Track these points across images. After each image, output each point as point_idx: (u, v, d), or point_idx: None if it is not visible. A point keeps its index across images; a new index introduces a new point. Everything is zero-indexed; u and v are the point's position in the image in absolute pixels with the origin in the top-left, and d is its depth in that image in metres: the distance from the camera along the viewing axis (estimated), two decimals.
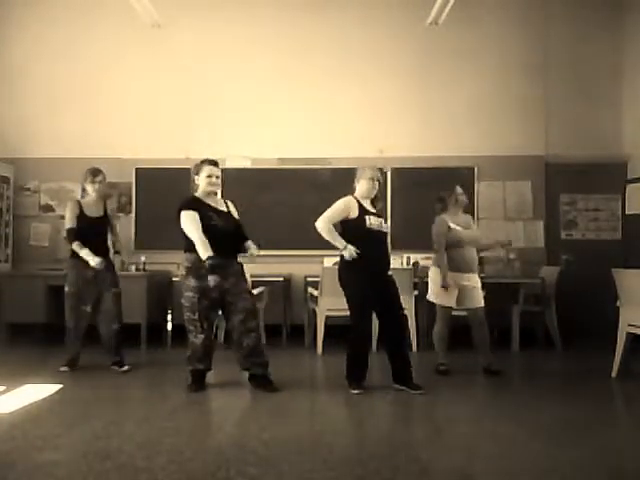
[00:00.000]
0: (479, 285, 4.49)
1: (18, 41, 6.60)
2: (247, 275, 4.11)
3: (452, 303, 4.43)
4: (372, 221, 3.86)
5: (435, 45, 6.46)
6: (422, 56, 6.50)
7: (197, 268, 3.77)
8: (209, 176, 3.89)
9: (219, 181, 3.96)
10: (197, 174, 3.95)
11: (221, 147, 6.36)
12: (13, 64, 6.60)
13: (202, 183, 3.92)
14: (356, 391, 3.81)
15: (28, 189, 6.55)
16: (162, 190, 6.31)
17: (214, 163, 3.96)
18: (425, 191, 5.96)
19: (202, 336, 3.85)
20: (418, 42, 6.48)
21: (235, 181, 6.01)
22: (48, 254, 6.34)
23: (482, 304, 4.44)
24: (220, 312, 3.98)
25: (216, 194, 4.05)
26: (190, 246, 3.78)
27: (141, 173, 6.44)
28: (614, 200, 6.49)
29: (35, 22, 6.60)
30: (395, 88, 6.50)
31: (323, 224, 3.86)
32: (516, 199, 6.48)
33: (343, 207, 3.90)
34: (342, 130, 6.41)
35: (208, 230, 3.75)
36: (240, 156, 6.41)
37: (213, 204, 3.94)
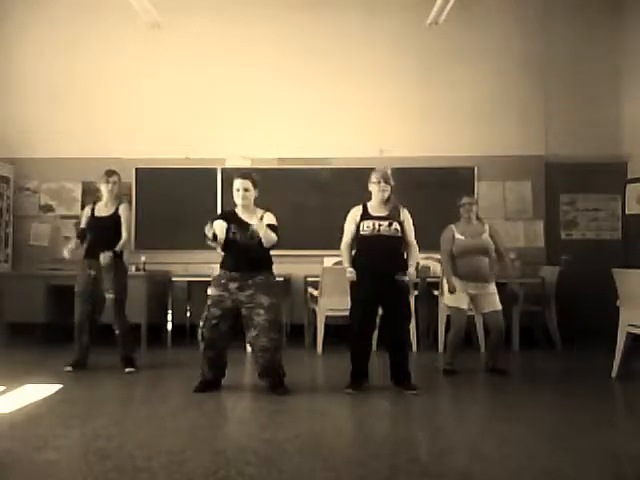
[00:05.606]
0: (493, 292, 4.41)
1: (18, 41, 6.60)
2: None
3: (464, 305, 4.42)
4: (366, 226, 3.89)
5: (435, 45, 6.45)
6: (422, 56, 6.49)
7: (217, 278, 3.84)
8: (237, 190, 3.81)
9: (248, 194, 3.79)
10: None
11: (221, 147, 6.38)
12: (13, 64, 6.59)
13: (234, 197, 3.86)
14: (348, 390, 3.83)
15: (28, 189, 6.54)
16: (162, 190, 6.33)
17: (242, 175, 3.84)
18: (425, 191, 5.97)
19: (203, 344, 3.78)
20: (418, 42, 6.46)
21: None
22: (48, 254, 6.33)
23: (498, 308, 4.38)
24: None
25: (249, 206, 3.86)
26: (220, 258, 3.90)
27: (141, 173, 6.43)
28: (614, 200, 6.48)
29: (35, 22, 6.59)
30: (395, 88, 6.49)
31: (342, 246, 4.00)
32: (516, 199, 6.47)
33: (347, 222, 4.02)
34: (342, 130, 6.40)
35: (227, 243, 3.78)
36: (240, 156, 6.40)
37: (243, 217, 3.83)
